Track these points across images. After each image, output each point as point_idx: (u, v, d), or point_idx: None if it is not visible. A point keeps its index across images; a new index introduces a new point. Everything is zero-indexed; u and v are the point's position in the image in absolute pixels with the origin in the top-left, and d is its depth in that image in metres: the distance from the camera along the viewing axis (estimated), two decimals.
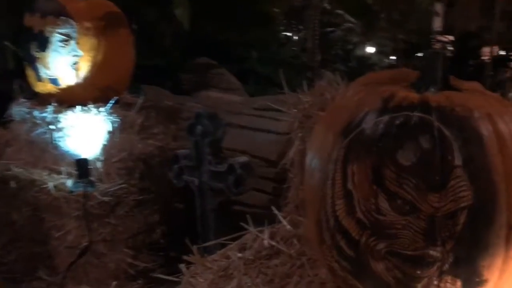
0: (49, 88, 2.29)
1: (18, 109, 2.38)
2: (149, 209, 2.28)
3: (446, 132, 0.89)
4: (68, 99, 2.29)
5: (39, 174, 2.16)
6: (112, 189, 2.04)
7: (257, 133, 2.59)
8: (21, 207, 2.13)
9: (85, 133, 2.17)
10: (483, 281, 0.88)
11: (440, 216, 0.86)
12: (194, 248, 1.44)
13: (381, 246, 0.92)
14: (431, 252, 0.88)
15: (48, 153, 2.27)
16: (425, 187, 0.87)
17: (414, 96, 0.98)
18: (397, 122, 0.93)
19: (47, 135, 2.27)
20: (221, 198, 1.94)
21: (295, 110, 1.68)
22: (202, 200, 1.97)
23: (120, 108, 2.25)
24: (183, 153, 2.05)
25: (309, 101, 1.64)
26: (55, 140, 2.23)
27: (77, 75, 2.24)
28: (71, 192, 2.04)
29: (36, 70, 2.27)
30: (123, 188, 2.07)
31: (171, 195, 2.38)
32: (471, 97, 0.97)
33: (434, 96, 0.97)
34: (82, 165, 2.07)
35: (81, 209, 2.02)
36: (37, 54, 2.25)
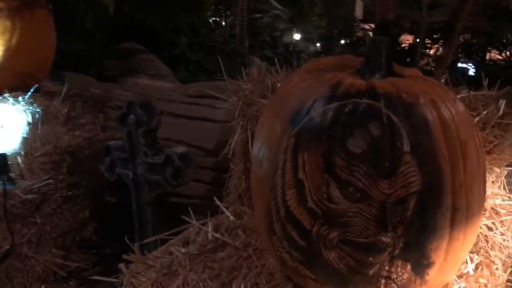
0: None
1: None
2: (79, 205, 2.13)
3: (394, 119, 0.89)
4: None
5: None
6: (36, 185, 1.88)
7: (192, 122, 2.52)
8: None
9: (1, 125, 1.97)
10: (431, 263, 0.91)
11: (391, 202, 0.87)
12: (135, 246, 1.36)
13: (333, 235, 0.92)
14: (383, 238, 0.88)
15: None
16: (375, 174, 0.87)
17: (360, 82, 0.97)
18: (346, 109, 0.92)
19: None
20: (158, 191, 1.85)
21: (235, 98, 1.63)
22: (138, 194, 1.87)
23: (42, 97, 2.06)
24: (115, 144, 1.93)
25: (249, 88, 1.60)
26: None
27: None
28: None
29: None
30: (49, 184, 1.91)
31: (101, 189, 2.25)
32: (415, 83, 0.99)
33: (380, 82, 0.97)
34: None
35: (1, 209, 1.83)
36: None
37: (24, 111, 1.94)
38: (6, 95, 1.99)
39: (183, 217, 1.49)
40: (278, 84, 1.57)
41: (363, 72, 1.03)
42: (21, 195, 1.84)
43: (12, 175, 1.90)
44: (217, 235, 1.40)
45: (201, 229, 1.44)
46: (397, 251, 0.89)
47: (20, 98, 1.96)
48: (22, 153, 1.93)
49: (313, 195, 0.92)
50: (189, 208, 1.54)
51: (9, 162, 1.90)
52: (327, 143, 0.91)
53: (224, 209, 1.55)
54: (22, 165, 1.92)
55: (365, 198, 0.88)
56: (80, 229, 2.14)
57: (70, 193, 2.00)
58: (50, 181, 1.90)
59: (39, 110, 1.96)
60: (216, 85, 2.70)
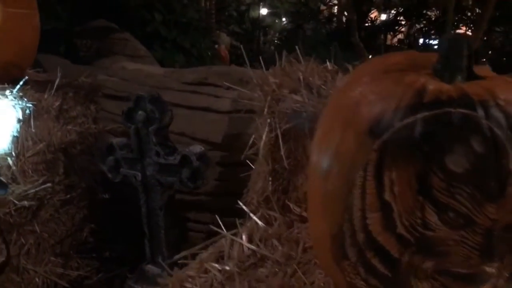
0: None
1: None
2: (75, 207, 1.95)
3: (497, 132, 0.78)
4: None
5: None
6: (31, 190, 1.68)
7: (193, 112, 2.34)
8: None
9: None
10: None
11: (498, 228, 0.76)
12: (166, 263, 1.21)
13: (428, 264, 0.80)
14: (487, 269, 0.78)
15: None
16: (481, 196, 0.76)
17: (448, 88, 0.85)
18: (440, 120, 0.80)
19: None
20: (170, 193, 1.69)
21: (260, 92, 1.48)
22: (147, 197, 1.71)
23: (32, 90, 1.84)
24: (119, 142, 1.75)
25: (277, 81, 1.45)
26: None
27: None
28: None
29: None
30: (46, 188, 1.71)
31: (96, 188, 2.07)
32: (505, 86, 0.87)
33: (469, 87, 0.85)
34: None
35: None
36: None
37: (14, 106, 1.72)
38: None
39: (212, 227, 1.35)
40: (311, 78, 1.43)
41: (441, 74, 0.91)
42: (16, 201, 1.64)
43: (2, 179, 1.69)
44: (253, 247, 1.27)
45: (233, 240, 1.30)
46: (501, 282, 0.79)
47: (7, 92, 1.73)
48: (13, 154, 1.72)
49: (403, 220, 0.80)
50: (217, 216, 1.40)
51: None
52: (422, 161, 0.79)
53: (253, 216, 1.42)
54: (13, 168, 1.71)
55: (469, 224, 0.77)
56: (77, 232, 1.97)
57: (68, 195, 1.81)
58: (48, 184, 1.70)
59: (30, 104, 1.74)
60: (215, 71, 2.53)
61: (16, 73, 1.95)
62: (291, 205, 1.40)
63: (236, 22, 9.91)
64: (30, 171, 1.76)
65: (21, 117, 1.73)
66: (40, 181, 1.70)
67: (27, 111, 1.74)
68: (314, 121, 1.20)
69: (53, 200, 1.75)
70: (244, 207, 1.45)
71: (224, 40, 7.90)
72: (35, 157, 1.78)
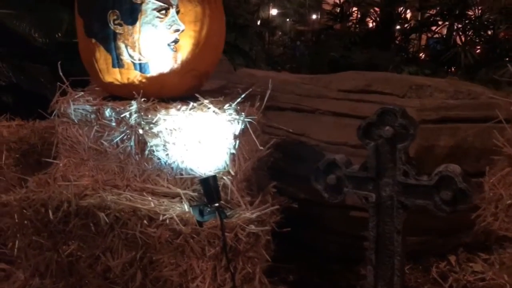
0: (132, 77, 1.62)
1: (77, 107, 1.68)
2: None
3: None
4: (155, 91, 1.66)
5: (139, 201, 1.55)
6: (256, 213, 1.53)
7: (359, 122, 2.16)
8: (119, 250, 1.52)
9: (199, 140, 1.60)
10: None
11: None
12: None
13: None
14: None
15: (135, 168, 1.65)
16: None
17: None
18: None
19: (130, 143, 1.64)
20: (407, 215, 1.54)
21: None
22: (380, 220, 1.56)
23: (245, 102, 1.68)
24: (343, 159, 1.59)
25: None
26: (151, 150, 1.61)
27: (174, 58, 1.61)
28: (200, 223, 1.49)
29: (113, 51, 1.58)
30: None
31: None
32: None
33: None
34: (210, 185, 1.52)
35: (218, 245, 1.48)
36: (118, 29, 1.56)
37: (230, 121, 1.56)
38: (205, 101, 1.60)
39: None
40: None
41: None
42: (243, 225, 1.49)
43: (223, 203, 1.55)
44: None
45: None
46: None
47: (227, 106, 1.58)
48: (231, 172, 1.57)
49: None
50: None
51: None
52: None
53: None
54: (232, 187, 1.56)
55: None
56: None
57: (279, 217, 1.66)
58: (276, 207, 1.55)
59: (248, 119, 1.58)
60: (374, 78, 2.36)
61: (204, 82, 1.81)
62: None
63: None
64: (245, 191, 1.61)
65: (237, 133, 1.58)
66: (266, 204, 1.54)
67: (242, 126, 1.59)
68: None
69: (269, 222, 1.60)
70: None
71: None
72: (246, 175, 1.63)
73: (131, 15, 1.53)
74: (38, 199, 1.57)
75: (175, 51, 1.60)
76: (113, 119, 1.64)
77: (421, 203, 1.48)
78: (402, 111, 1.47)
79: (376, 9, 8.15)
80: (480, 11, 7.40)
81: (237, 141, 1.58)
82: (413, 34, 8.71)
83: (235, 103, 1.59)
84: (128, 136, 1.64)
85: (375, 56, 6.29)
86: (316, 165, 1.64)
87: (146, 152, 1.63)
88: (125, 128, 1.63)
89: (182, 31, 1.58)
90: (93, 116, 1.67)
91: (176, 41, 1.58)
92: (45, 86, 2.65)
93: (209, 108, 1.58)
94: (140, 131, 1.61)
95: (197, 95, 1.65)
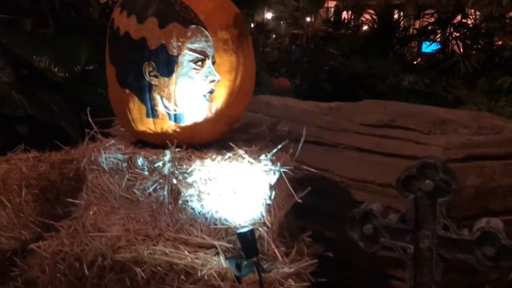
0: (166, 126, 1.60)
1: (109, 156, 1.66)
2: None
3: None
4: (187, 139, 1.64)
5: (175, 255, 1.53)
6: (294, 268, 1.51)
7: (394, 160, 2.15)
8: None
9: (234, 190, 1.58)
10: None
11: None
12: None
13: None
14: None
15: (168, 217, 1.63)
16: None
17: None
18: None
19: (163, 193, 1.62)
20: (444, 267, 1.53)
21: None
22: (418, 271, 1.55)
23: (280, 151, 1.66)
24: (380, 209, 1.59)
25: None
26: (185, 200, 1.59)
27: (209, 108, 1.60)
28: (238, 279, 1.47)
29: (147, 102, 1.56)
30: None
31: None
32: None
33: None
34: (247, 239, 1.50)
35: None
36: (153, 81, 1.53)
37: (266, 172, 1.55)
38: (240, 151, 1.58)
39: None
40: None
41: None
42: (282, 280, 1.47)
43: (262, 256, 1.53)
44: None
45: None
46: None
47: (263, 156, 1.56)
48: (267, 223, 1.55)
49: None
50: None
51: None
52: None
53: None
54: (268, 239, 1.54)
55: None
56: None
57: (314, 266, 1.64)
58: (313, 261, 1.53)
59: (284, 170, 1.57)
60: (398, 111, 2.35)
61: (232, 127, 1.79)
62: None
63: None
64: (280, 244, 1.59)
65: (273, 183, 1.56)
66: (306, 258, 1.53)
67: (277, 176, 1.57)
68: None
69: (306, 274, 1.58)
70: None
71: None
72: (279, 223, 1.62)
73: (168, 67, 1.50)
74: (72, 253, 1.54)
75: (210, 101, 1.58)
76: (146, 168, 1.62)
77: (462, 257, 1.47)
78: (443, 165, 1.46)
79: (374, 17, 8.15)
80: (477, 20, 7.42)
81: (273, 192, 1.56)
82: (411, 42, 8.73)
83: (271, 154, 1.57)
84: (161, 185, 1.62)
85: (374, 65, 6.29)
86: (352, 213, 1.63)
87: (180, 202, 1.61)
88: (158, 177, 1.61)
89: (218, 81, 1.56)
90: (124, 164, 1.64)
91: (211, 92, 1.57)
92: (59, 115, 2.62)
93: (244, 158, 1.56)
94: (174, 181, 1.59)
95: (231, 144, 1.63)
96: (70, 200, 1.88)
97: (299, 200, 1.61)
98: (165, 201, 1.63)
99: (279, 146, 1.61)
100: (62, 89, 2.68)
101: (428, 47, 7.82)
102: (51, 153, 2.44)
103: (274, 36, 10.06)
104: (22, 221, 2.27)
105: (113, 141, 1.68)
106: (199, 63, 1.52)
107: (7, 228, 2.22)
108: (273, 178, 1.56)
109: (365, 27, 9.07)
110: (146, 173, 1.62)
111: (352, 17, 9.19)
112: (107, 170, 1.67)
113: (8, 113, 2.54)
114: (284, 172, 1.60)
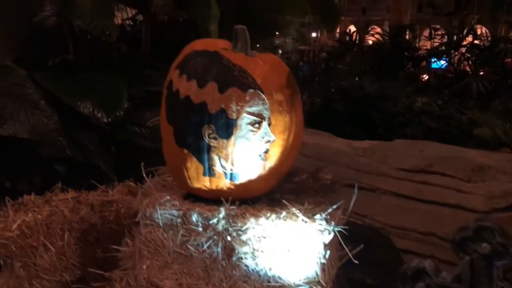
0: (222, 184, 1.63)
1: (163, 212, 1.69)
2: None
3: None
4: (239, 195, 1.67)
5: None
6: None
7: (427, 207, 2.17)
8: None
9: (288, 248, 1.60)
10: None
11: None
12: None
13: None
14: None
15: (221, 273, 1.65)
16: None
17: None
18: None
19: (217, 249, 1.64)
20: None
21: None
22: None
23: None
24: (432, 267, 1.60)
25: None
26: (239, 257, 1.62)
27: (263, 166, 1.63)
28: None
29: (205, 162, 1.59)
30: None
31: None
32: None
33: None
34: None
35: None
36: (212, 143, 1.57)
37: (321, 231, 1.57)
38: (294, 210, 1.61)
39: None
40: None
41: None
42: None
43: None
44: None
45: None
46: None
47: (318, 216, 1.59)
48: (323, 283, 1.57)
49: None
50: None
51: None
52: None
53: None
54: None
55: None
56: None
57: None
58: None
59: (338, 229, 1.59)
60: (436, 156, 2.36)
61: (279, 181, 1.82)
62: None
63: None
64: None
65: (327, 242, 1.59)
66: None
67: (331, 235, 1.59)
68: None
69: None
70: None
71: None
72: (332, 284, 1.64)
73: (227, 130, 1.54)
74: None
75: (265, 160, 1.61)
76: (200, 224, 1.65)
77: None
78: (500, 229, 1.48)
79: (385, 37, 8.21)
80: (489, 42, 7.45)
81: (328, 251, 1.59)
82: (423, 62, 8.75)
83: (326, 213, 1.60)
84: (215, 241, 1.64)
85: (386, 86, 6.32)
86: (403, 269, 1.65)
87: (234, 258, 1.63)
88: (212, 233, 1.63)
89: (273, 141, 1.60)
90: (179, 220, 1.67)
91: (266, 151, 1.60)
92: (96, 155, 2.67)
93: (298, 216, 1.59)
94: (228, 238, 1.61)
95: (284, 201, 1.66)
96: (115, 247, 1.91)
97: (355, 261, 1.63)
98: (219, 257, 1.65)
99: (334, 207, 1.64)
100: (98, 128, 2.72)
101: (435, 63, 7.85)
102: (89, 192, 2.48)
103: (280, 51, 10.12)
104: (63, 263, 2.30)
105: (168, 197, 1.70)
106: (256, 125, 1.56)
107: (49, 271, 2.26)
108: (327, 238, 1.59)
109: (375, 47, 9.11)
110: (200, 229, 1.65)
111: (363, 37, 9.24)
112: (161, 225, 1.70)
113: (48, 155, 2.58)
114: (338, 231, 1.63)
